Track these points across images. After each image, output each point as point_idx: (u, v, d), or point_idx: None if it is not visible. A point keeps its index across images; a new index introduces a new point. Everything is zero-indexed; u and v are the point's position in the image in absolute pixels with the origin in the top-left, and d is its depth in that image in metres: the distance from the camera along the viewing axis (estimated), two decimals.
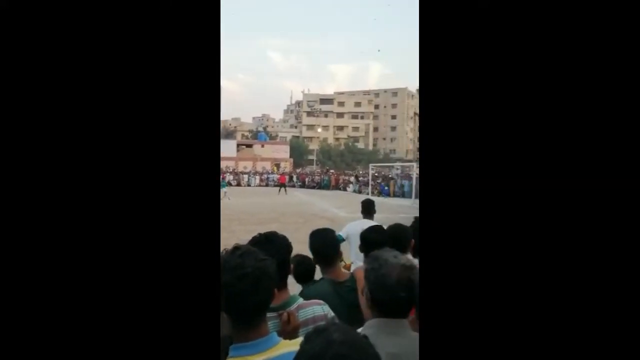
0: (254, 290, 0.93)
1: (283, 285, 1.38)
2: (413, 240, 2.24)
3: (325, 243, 1.92)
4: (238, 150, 38.42)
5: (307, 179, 30.84)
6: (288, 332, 1.19)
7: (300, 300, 1.42)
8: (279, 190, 22.54)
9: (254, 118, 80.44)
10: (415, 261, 1.93)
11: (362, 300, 1.20)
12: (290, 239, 2.16)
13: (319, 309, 1.42)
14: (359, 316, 1.55)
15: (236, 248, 1.00)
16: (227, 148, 37.86)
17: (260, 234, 1.44)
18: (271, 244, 1.35)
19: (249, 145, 42.10)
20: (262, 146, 41.13)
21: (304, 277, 2.07)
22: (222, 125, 56.09)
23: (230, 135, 54.04)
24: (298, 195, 21.46)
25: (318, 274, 2.01)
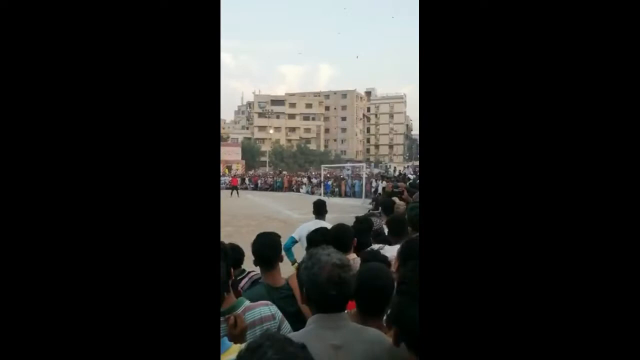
0: None
1: (229, 290, 1.39)
2: (355, 239, 2.47)
3: (265, 246, 1.95)
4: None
5: (259, 181, 30.62)
6: (236, 335, 1.20)
7: (247, 303, 1.45)
8: (231, 192, 22.09)
9: None
10: (355, 259, 2.16)
11: (303, 298, 1.26)
12: (243, 242, 2.29)
13: (266, 310, 1.46)
14: (292, 322, 1.58)
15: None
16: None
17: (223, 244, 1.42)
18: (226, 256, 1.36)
19: None
20: None
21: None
22: None
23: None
24: (250, 198, 21.26)
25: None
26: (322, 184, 23.74)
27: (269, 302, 1.54)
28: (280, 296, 1.83)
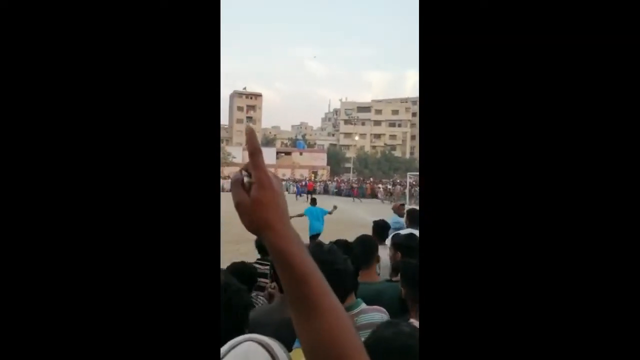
0: None
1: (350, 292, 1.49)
2: None
3: (365, 248, 2.22)
4: (277, 158, 39.38)
5: (343, 187, 31.06)
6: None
7: (363, 306, 1.50)
8: (307, 197, 22.25)
9: (292, 126, 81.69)
10: None
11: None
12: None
13: (378, 317, 1.47)
14: None
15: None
16: (267, 155, 38.86)
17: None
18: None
19: (288, 153, 42.94)
20: (301, 154, 41.84)
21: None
22: (262, 133, 57.52)
23: (270, 143, 55.30)
24: (334, 204, 21.58)
25: None
26: (408, 191, 23.32)
27: (383, 310, 1.56)
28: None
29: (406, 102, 61.69)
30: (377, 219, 3.94)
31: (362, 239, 2.36)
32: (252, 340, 0.71)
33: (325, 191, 30.96)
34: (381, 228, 3.58)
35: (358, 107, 59.86)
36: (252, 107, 55.76)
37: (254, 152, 0.58)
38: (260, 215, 0.55)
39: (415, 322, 1.50)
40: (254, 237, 0.89)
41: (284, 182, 31.57)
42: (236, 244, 7.99)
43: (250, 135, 0.59)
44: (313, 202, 9.76)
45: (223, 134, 54.93)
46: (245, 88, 56.79)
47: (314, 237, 7.56)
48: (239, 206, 0.57)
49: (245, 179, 0.59)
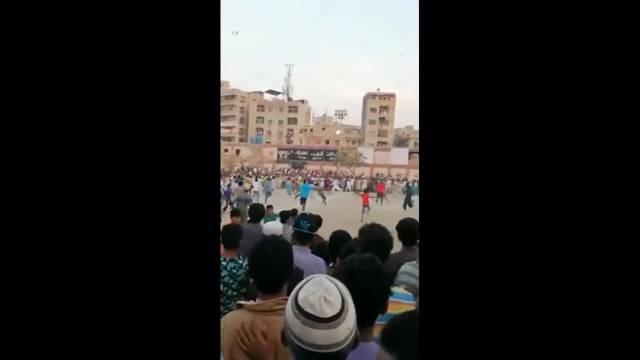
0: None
1: None
2: None
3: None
4: (410, 158, 38.46)
5: None
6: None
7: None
8: (376, 199, 19.29)
9: None
10: None
11: None
12: None
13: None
14: None
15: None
16: (399, 156, 38.35)
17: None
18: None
19: None
20: None
21: None
22: (394, 133, 57.09)
23: (403, 143, 54.46)
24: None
25: None
26: None
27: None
28: None
29: None
30: None
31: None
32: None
33: None
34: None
35: None
36: (384, 108, 55.66)
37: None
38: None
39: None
40: None
41: (416, 183, 30.57)
42: None
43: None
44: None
45: (355, 135, 56.21)
46: (378, 89, 57.02)
47: None
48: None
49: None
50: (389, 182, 29.34)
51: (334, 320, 0.77)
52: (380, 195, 19.30)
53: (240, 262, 2.50)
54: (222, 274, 2.43)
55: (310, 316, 0.77)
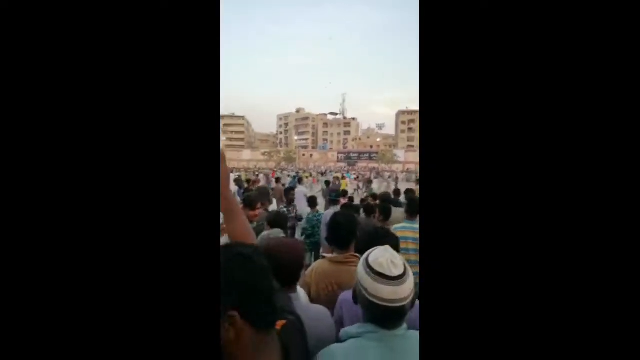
0: None
1: None
2: None
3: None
4: None
5: None
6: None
7: None
8: None
9: None
10: None
11: None
12: None
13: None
14: None
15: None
16: None
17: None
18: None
19: None
20: None
21: None
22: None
23: None
24: None
25: None
26: None
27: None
28: None
29: None
30: None
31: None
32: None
33: None
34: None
35: None
36: (412, 121, 77.90)
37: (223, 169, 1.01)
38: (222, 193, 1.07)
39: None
40: None
41: None
42: None
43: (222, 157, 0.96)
44: None
45: (391, 141, 79.77)
46: (407, 107, 79.83)
47: None
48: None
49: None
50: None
51: (399, 279, 0.90)
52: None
53: (318, 215, 4.60)
54: (303, 222, 4.77)
55: (380, 274, 0.90)
